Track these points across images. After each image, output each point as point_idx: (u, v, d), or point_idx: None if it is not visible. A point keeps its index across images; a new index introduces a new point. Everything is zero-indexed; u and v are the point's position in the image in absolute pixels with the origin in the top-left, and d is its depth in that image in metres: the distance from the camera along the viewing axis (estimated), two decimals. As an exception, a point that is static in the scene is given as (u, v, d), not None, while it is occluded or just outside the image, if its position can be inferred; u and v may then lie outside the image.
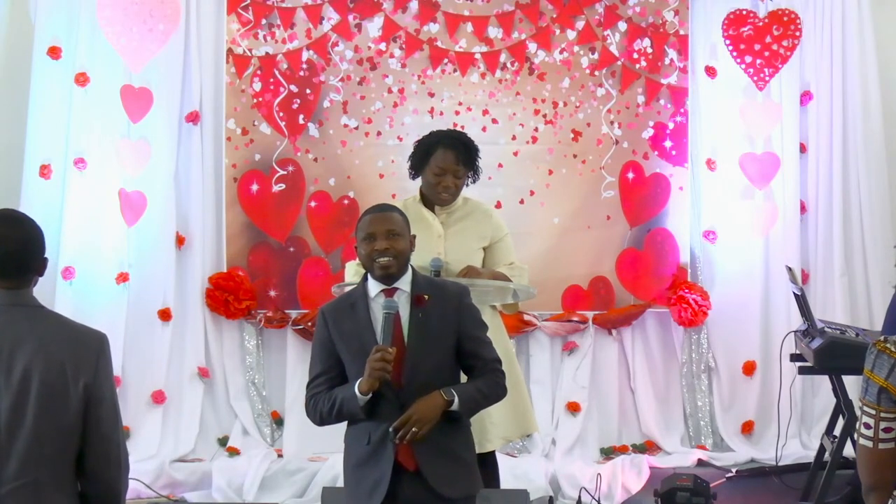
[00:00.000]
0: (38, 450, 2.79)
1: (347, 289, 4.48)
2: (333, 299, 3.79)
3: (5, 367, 2.81)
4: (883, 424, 2.59)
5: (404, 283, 3.55)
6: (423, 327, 3.50)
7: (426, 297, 3.52)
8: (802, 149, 6.45)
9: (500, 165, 6.22)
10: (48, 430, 2.80)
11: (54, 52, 5.93)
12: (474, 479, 3.62)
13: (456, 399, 3.46)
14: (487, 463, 4.46)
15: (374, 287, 3.56)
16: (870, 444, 2.61)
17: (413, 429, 3.41)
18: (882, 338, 2.64)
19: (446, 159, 4.57)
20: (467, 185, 4.69)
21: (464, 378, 3.63)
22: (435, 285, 3.63)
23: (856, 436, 2.67)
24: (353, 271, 4.63)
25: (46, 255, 2.98)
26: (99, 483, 2.90)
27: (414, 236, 3.66)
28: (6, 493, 2.78)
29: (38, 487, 2.80)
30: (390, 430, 3.43)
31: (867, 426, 2.61)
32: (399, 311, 3.50)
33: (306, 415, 3.62)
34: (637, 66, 6.32)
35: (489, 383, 3.57)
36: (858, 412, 2.67)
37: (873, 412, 2.60)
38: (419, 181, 4.72)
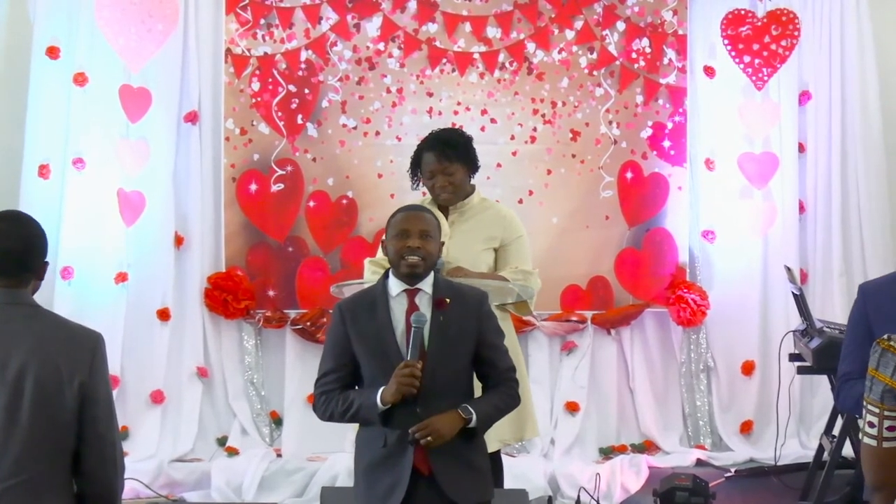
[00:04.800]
0: (34, 448, 2.81)
1: (347, 288, 4.49)
2: (351, 295, 3.73)
3: (0, 366, 2.82)
4: (887, 423, 2.59)
5: (426, 285, 3.51)
6: (444, 332, 3.46)
7: (447, 300, 3.49)
8: (801, 148, 6.45)
9: (499, 165, 6.22)
10: (43, 428, 2.82)
11: (53, 52, 5.92)
12: (486, 487, 3.60)
13: (474, 417, 3.44)
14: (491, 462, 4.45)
15: (395, 286, 3.51)
16: (874, 442, 2.61)
17: (428, 437, 3.37)
18: (886, 336, 2.63)
19: (431, 162, 4.55)
20: (472, 177, 4.66)
21: (477, 384, 3.61)
22: (455, 289, 3.58)
23: (860, 435, 2.67)
24: (369, 269, 4.59)
25: (47, 260, 2.99)
26: (95, 483, 2.92)
27: (442, 242, 3.63)
28: (1, 491, 2.79)
29: (33, 486, 2.81)
30: (409, 431, 3.38)
31: (871, 425, 2.61)
32: None
33: (313, 410, 3.58)
34: (636, 65, 6.32)
35: (503, 396, 3.55)
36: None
37: (877, 411, 2.59)
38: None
